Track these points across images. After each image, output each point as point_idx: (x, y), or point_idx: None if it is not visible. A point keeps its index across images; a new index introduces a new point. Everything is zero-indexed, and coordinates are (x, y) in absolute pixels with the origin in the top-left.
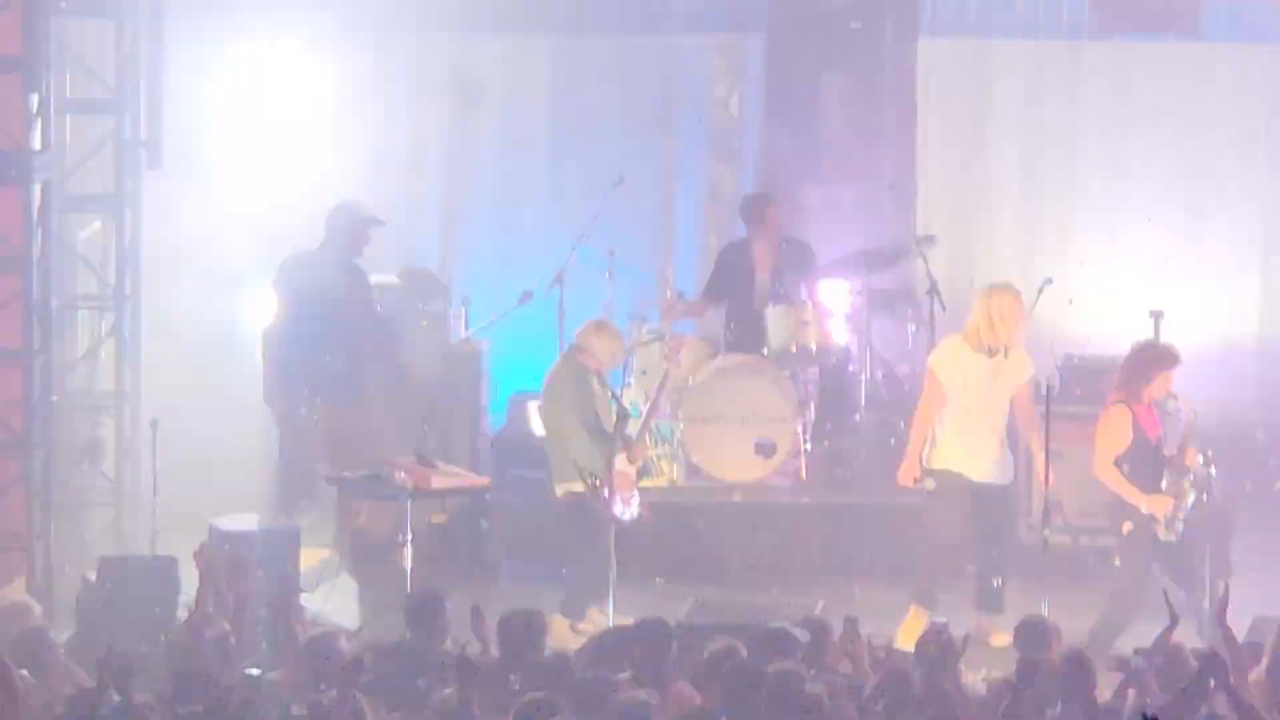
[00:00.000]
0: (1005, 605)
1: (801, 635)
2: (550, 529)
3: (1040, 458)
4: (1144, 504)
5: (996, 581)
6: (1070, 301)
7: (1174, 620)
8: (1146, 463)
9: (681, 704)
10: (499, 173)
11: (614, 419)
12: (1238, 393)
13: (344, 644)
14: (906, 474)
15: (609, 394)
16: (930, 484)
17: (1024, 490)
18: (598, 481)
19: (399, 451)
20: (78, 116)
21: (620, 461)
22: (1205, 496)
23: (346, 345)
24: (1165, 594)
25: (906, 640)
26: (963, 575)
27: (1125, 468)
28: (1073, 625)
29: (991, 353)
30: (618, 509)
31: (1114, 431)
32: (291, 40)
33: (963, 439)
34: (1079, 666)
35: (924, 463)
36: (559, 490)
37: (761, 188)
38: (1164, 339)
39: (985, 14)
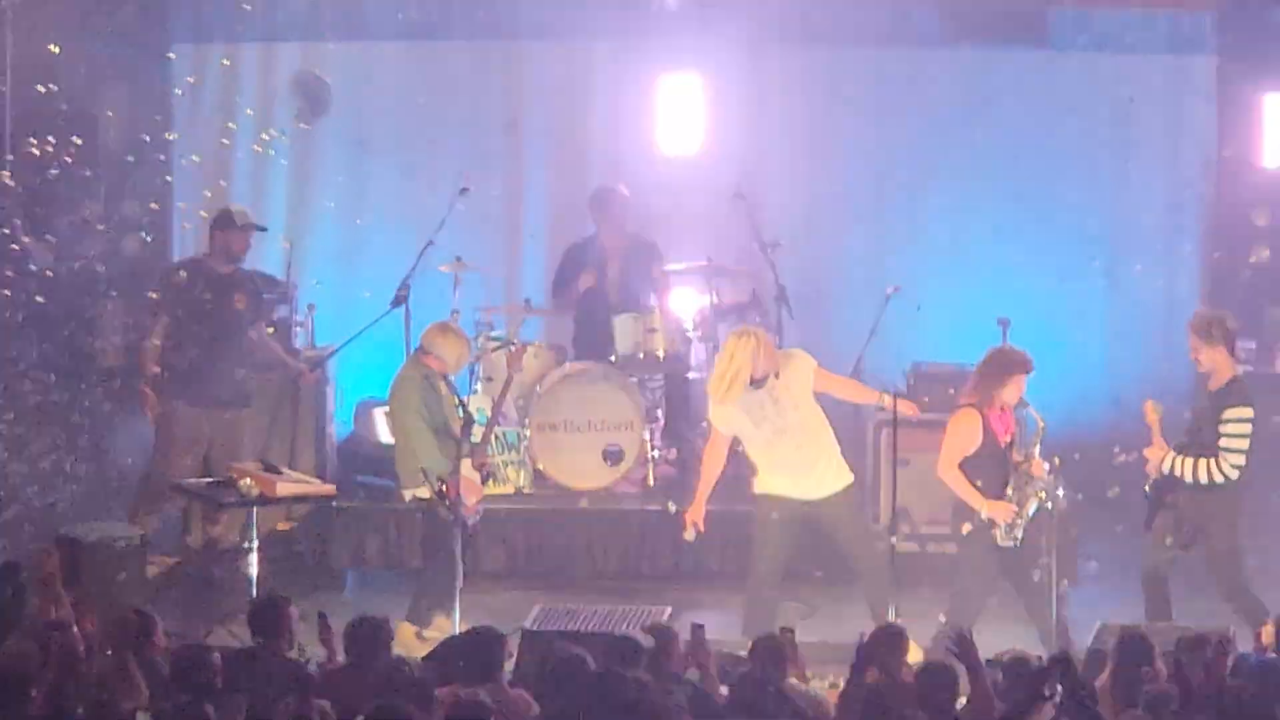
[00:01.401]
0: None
1: (648, 642)
2: (396, 536)
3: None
4: (984, 508)
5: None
6: (918, 309)
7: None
8: (994, 468)
9: (518, 711)
10: (345, 179)
11: (460, 424)
12: (1084, 401)
13: (214, 657)
14: (691, 517)
15: (455, 399)
16: (690, 535)
17: (871, 498)
18: (444, 487)
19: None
20: None
21: (465, 467)
22: (1050, 505)
23: (232, 350)
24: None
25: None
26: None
27: (973, 472)
28: (921, 632)
29: (756, 385)
30: (464, 514)
31: (962, 434)
32: (139, 45)
33: (777, 467)
34: (939, 678)
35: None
36: (406, 496)
37: None
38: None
39: (834, 21)
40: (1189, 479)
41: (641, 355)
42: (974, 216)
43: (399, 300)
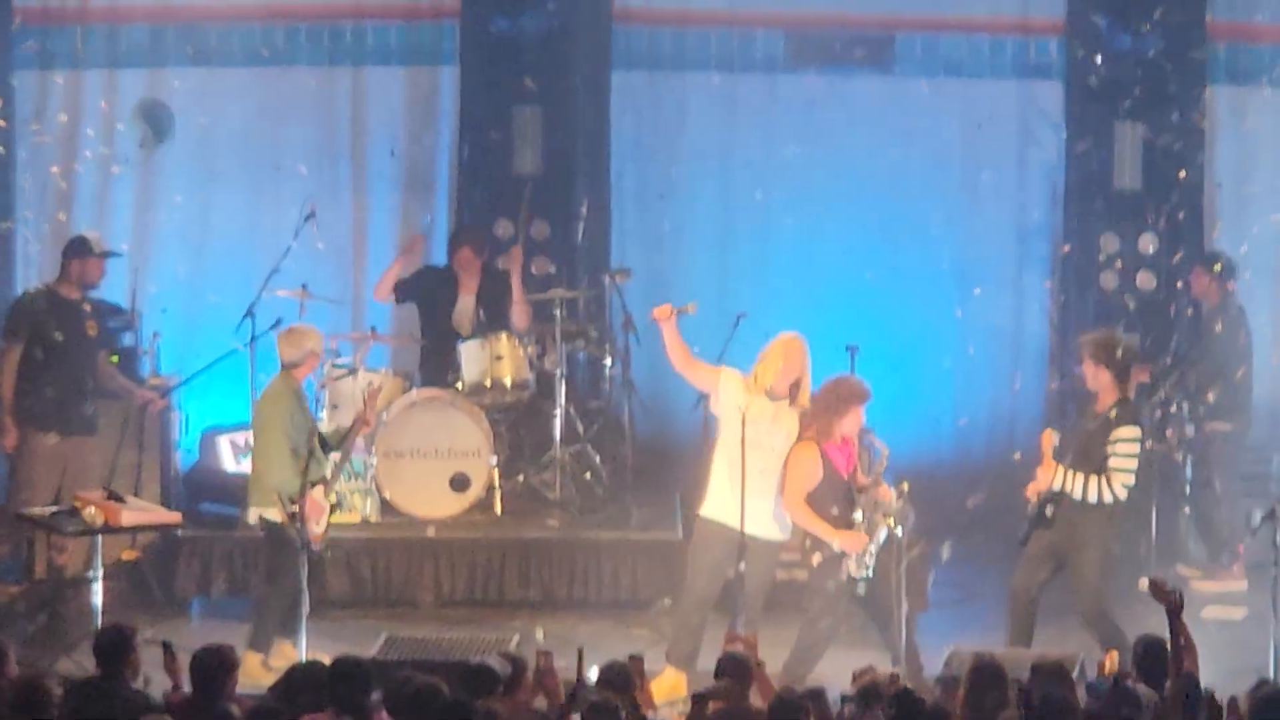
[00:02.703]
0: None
1: (503, 670)
2: (242, 564)
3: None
4: (836, 540)
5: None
6: (766, 336)
7: None
8: (839, 499)
9: None
10: (190, 205)
11: (314, 444)
12: (932, 428)
13: (52, 687)
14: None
15: (311, 422)
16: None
17: None
18: (295, 509)
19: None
20: None
21: (316, 492)
22: (900, 532)
23: (85, 378)
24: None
25: (659, 695)
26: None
27: (819, 504)
28: (770, 657)
29: (774, 397)
30: (310, 538)
31: (803, 468)
32: None
33: (730, 480)
34: (790, 706)
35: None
36: (252, 515)
37: (455, 221)
38: (859, 374)
39: (679, 46)
40: (1078, 496)
41: (488, 382)
42: (823, 242)
43: (276, 325)
